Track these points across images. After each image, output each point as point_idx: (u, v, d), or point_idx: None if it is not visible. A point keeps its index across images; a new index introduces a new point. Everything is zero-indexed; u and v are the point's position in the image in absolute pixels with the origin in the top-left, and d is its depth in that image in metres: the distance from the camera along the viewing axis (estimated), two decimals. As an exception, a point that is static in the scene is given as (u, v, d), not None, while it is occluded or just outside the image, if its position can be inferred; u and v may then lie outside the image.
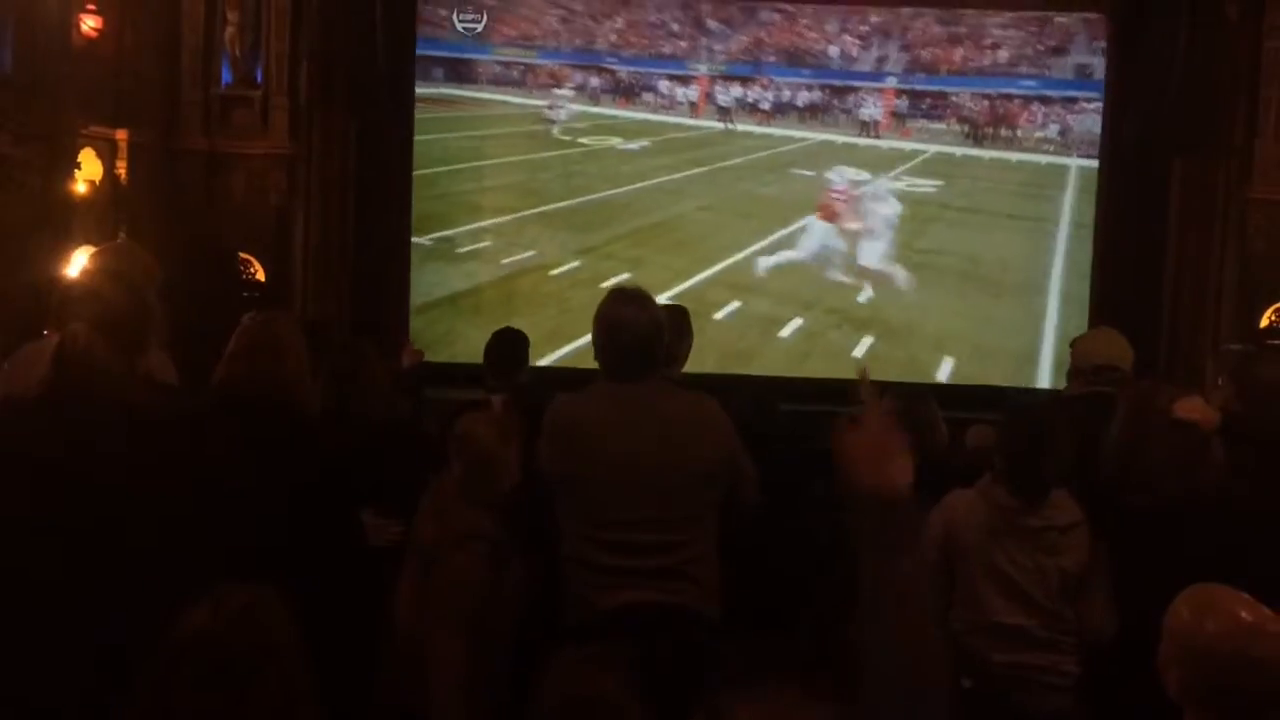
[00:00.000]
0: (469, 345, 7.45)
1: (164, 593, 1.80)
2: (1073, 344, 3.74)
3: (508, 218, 9.20)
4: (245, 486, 2.46)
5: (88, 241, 6.82)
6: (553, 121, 9.44)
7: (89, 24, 7.47)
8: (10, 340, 3.98)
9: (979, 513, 2.89)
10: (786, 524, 3.35)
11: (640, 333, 2.72)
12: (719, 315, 8.66)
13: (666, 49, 9.29)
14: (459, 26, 9.24)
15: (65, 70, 7.20)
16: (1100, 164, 8.76)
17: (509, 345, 4.43)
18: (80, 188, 7.36)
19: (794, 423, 4.46)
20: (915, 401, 3.70)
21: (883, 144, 9.20)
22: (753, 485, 2.86)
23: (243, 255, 8.17)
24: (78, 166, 7.35)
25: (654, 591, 2.60)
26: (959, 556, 2.88)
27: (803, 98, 9.30)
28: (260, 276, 8.18)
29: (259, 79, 8.28)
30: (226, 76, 8.28)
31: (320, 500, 2.66)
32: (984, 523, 2.87)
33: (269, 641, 1.68)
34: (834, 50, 9.21)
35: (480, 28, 9.25)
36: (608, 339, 2.76)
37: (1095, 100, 8.82)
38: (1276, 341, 7.50)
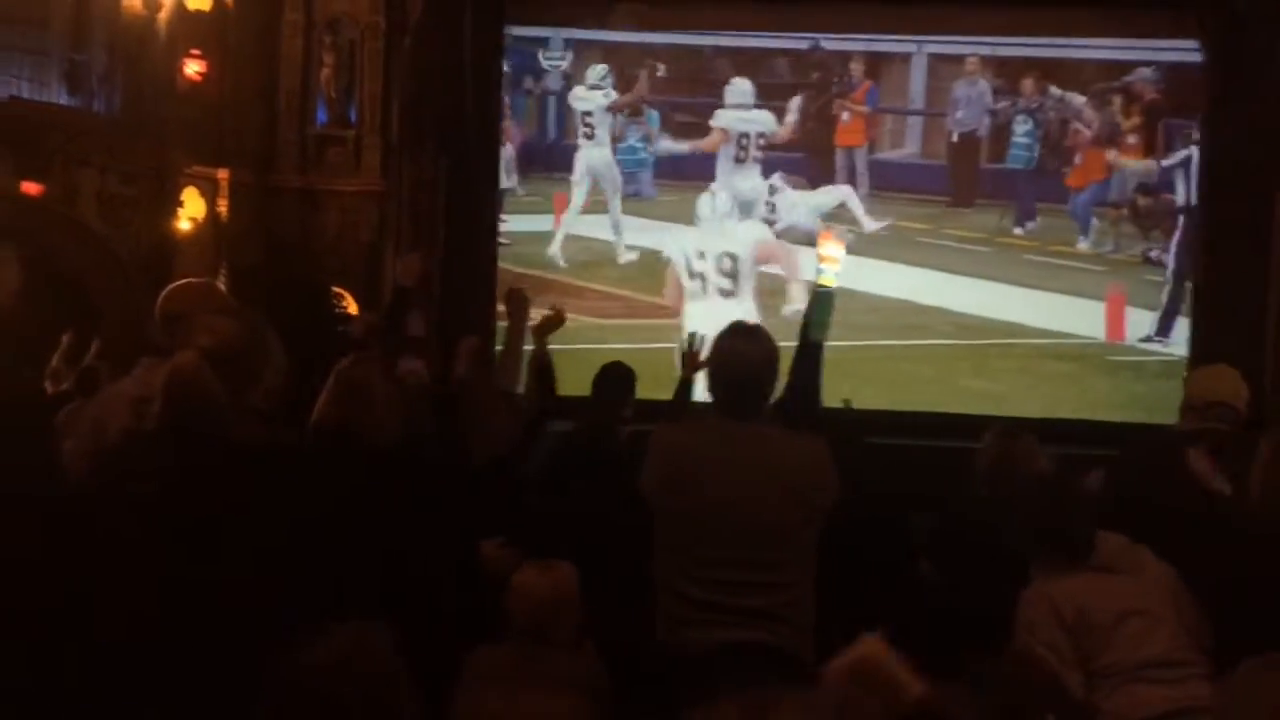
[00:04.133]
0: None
1: (262, 625, 1.84)
2: (1186, 379, 3.65)
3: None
4: (344, 523, 2.51)
5: (189, 276, 7.05)
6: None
7: (193, 68, 7.76)
8: (116, 372, 4.13)
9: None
10: (879, 559, 3.32)
11: (753, 368, 2.71)
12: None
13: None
14: (545, 64, 9.39)
15: (170, 112, 7.50)
16: (1200, 199, 8.54)
17: (616, 380, 4.41)
18: (184, 225, 7.63)
19: (882, 457, 4.42)
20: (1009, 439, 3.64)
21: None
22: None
23: (335, 289, 8.36)
24: (181, 204, 7.63)
25: (749, 631, 2.58)
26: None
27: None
28: (352, 310, 8.37)
29: (352, 119, 8.51)
30: (322, 117, 8.53)
31: (423, 536, 2.71)
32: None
33: (378, 679, 1.70)
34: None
35: (566, 65, 9.38)
36: (720, 373, 2.75)
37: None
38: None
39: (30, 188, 6.56)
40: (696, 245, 8.01)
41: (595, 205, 9.25)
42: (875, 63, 9.22)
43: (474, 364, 4.30)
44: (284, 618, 1.90)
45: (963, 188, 9.17)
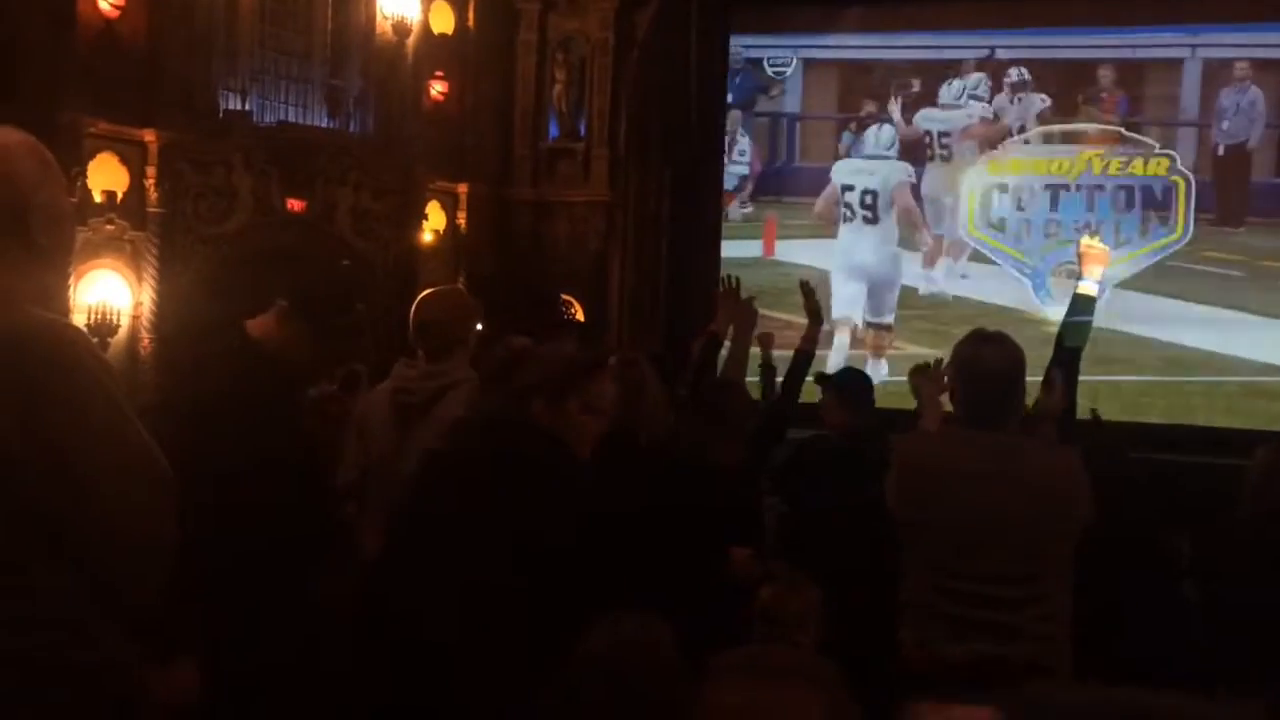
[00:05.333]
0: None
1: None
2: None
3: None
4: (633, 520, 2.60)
5: (431, 285, 7.49)
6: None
7: (437, 89, 8.27)
8: (373, 374, 4.45)
9: None
10: (1143, 578, 3.17)
11: (999, 375, 2.63)
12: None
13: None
14: (769, 71, 9.44)
15: (416, 131, 8.01)
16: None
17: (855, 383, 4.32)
18: (427, 236, 8.13)
19: (1143, 470, 4.22)
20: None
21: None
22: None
23: (564, 296, 8.69)
24: (425, 217, 8.13)
25: (996, 646, 2.52)
26: None
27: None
28: (580, 316, 8.68)
29: (582, 132, 8.83)
30: (553, 131, 8.89)
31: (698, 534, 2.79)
32: None
33: (664, 667, 1.76)
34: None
35: (790, 71, 9.41)
36: (965, 380, 2.68)
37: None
38: None
39: (295, 205, 7.15)
40: (845, 179, 8.92)
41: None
42: (1129, 68, 8.66)
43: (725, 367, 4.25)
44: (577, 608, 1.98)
45: (1228, 205, 8.38)
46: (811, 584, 2.78)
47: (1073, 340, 3.26)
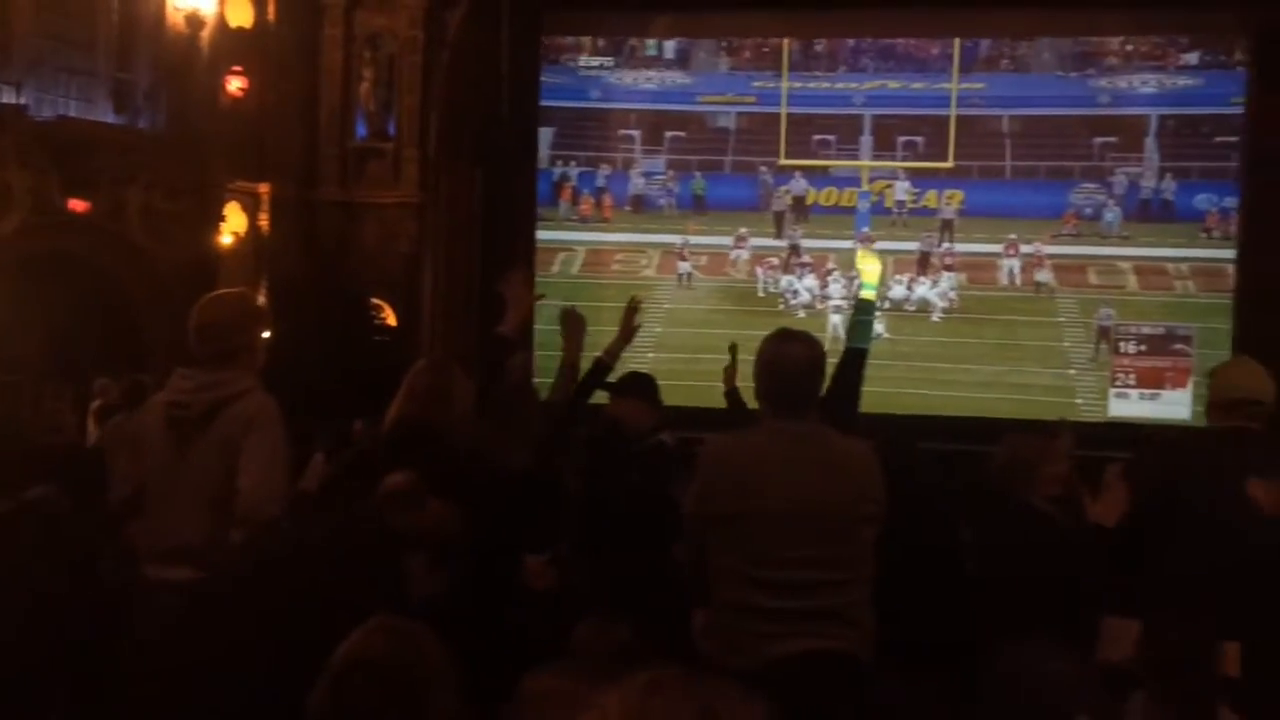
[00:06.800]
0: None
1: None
2: (1210, 374, 3.58)
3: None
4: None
5: (229, 288, 7.18)
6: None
7: (235, 84, 7.92)
8: (161, 383, 4.21)
9: None
10: (932, 563, 3.29)
11: (802, 369, 2.73)
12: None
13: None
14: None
15: (213, 128, 7.65)
16: (1240, 196, 8.43)
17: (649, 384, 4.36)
18: (226, 239, 7.77)
19: (933, 461, 4.38)
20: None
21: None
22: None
23: (374, 300, 8.46)
24: (223, 219, 7.78)
25: (817, 638, 2.58)
26: None
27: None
28: (391, 320, 8.47)
29: (391, 132, 8.62)
30: (361, 131, 8.65)
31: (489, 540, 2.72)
32: None
33: (427, 669, 1.72)
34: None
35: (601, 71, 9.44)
36: (770, 376, 2.77)
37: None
38: None
39: (77, 205, 6.71)
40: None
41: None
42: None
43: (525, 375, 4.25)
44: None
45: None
46: (623, 630, 2.76)
47: (856, 340, 3.40)
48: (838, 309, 8.79)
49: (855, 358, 3.41)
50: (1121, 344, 8.73)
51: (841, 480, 2.69)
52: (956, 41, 9.05)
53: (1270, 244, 8.21)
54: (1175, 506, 3.06)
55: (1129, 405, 8.58)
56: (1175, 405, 8.34)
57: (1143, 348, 8.68)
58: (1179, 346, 8.63)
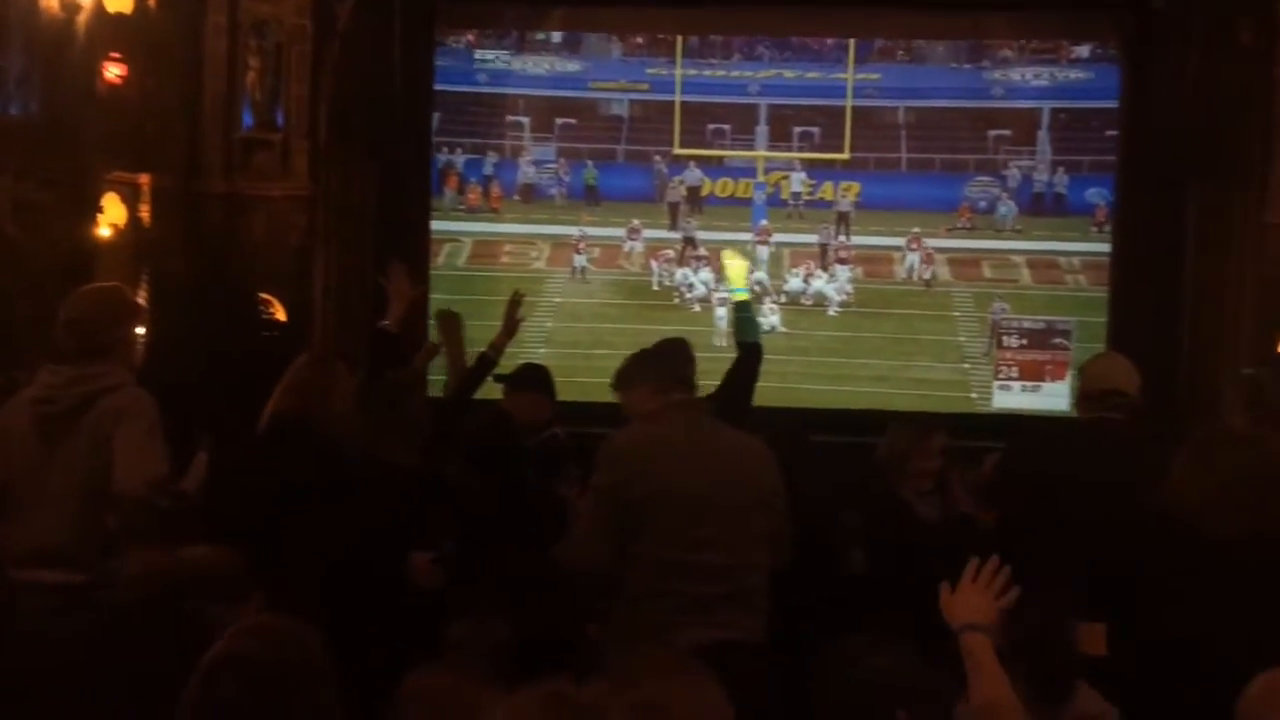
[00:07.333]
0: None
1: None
2: (1080, 369, 3.75)
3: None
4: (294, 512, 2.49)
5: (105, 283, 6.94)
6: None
7: (113, 71, 7.63)
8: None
9: None
10: (819, 555, 3.38)
11: (683, 353, 2.92)
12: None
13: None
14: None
15: (89, 116, 7.37)
16: (1115, 191, 8.76)
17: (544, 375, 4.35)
18: (104, 232, 7.50)
19: (825, 454, 4.48)
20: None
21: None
22: (788, 537, 2.91)
23: (263, 295, 8.27)
24: (100, 211, 7.50)
25: (723, 628, 2.66)
26: None
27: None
28: (280, 316, 8.28)
29: (279, 122, 8.42)
30: (247, 120, 8.42)
31: (362, 538, 2.70)
32: None
33: (301, 667, 1.70)
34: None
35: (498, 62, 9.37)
36: (659, 357, 3.00)
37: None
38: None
39: (-59, 194, 6.42)
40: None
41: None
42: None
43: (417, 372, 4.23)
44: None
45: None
46: (500, 623, 2.77)
47: (745, 335, 3.51)
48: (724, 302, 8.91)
49: (749, 353, 3.52)
50: (1004, 338, 9.00)
51: (739, 464, 2.82)
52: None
53: (1141, 239, 8.57)
54: (1037, 494, 3.21)
55: (1012, 397, 8.87)
56: (1055, 397, 8.63)
57: (1024, 341, 8.97)
58: (1059, 340, 8.94)
